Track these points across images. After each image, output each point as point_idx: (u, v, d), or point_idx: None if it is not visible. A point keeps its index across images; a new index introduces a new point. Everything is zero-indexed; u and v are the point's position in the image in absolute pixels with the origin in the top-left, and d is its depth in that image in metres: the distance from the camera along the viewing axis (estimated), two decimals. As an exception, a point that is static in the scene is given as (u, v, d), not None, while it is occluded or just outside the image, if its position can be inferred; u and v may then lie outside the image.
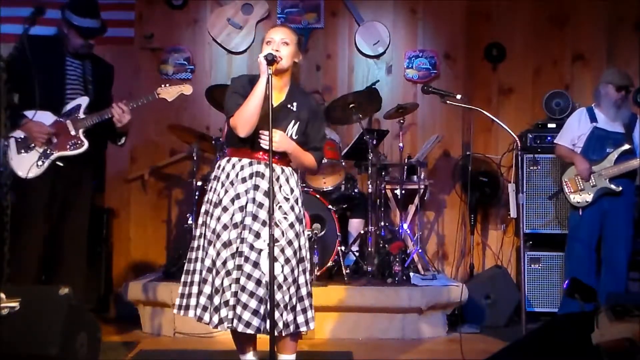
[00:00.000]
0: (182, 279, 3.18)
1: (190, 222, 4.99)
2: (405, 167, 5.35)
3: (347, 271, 4.67)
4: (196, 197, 5.02)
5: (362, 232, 5.08)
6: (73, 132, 3.84)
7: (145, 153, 5.83)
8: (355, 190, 5.19)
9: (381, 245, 4.93)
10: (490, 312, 5.00)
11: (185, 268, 3.19)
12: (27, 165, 3.76)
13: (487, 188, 5.65)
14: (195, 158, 5.12)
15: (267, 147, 2.93)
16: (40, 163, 3.78)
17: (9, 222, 2.94)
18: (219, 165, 3.17)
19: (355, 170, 5.45)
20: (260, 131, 3.06)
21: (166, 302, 4.47)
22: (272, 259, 2.84)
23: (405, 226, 5.24)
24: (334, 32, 5.93)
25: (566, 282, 3.46)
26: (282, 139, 3.06)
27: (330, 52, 5.93)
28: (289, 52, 3.11)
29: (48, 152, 3.80)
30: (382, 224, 5.07)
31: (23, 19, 3.55)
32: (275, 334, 2.89)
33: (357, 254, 4.98)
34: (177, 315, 4.44)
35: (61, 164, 3.82)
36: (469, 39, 5.90)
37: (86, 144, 3.86)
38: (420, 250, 5.21)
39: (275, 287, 2.92)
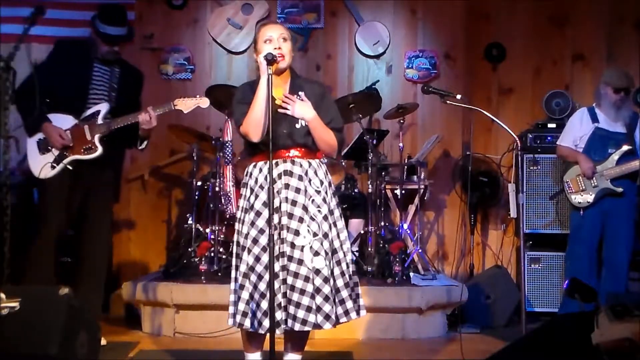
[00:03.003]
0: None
1: (190, 222, 4.99)
2: (405, 167, 5.35)
3: (347, 271, 4.66)
4: (196, 197, 5.03)
5: (362, 232, 5.08)
6: (89, 137, 3.94)
7: (145, 153, 5.79)
8: (355, 190, 5.19)
9: (381, 245, 4.93)
10: (490, 312, 4.99)
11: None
12: (42, 165, 3.90)
13: (487, 188, 5.65)
14: (195, 158, 5.13)
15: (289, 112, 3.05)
16: (54, 165, 3.90)
17: (9, 222, 2.95)
18: (247, 172, 3.17)
19: (355, 170, 5.45)
20: (285, 94, 3.09)
21: (166, 302, 4.47)
22: (272, 259, 2.83)
23: (405, 226, 5.24)
24: (334, 32, 5.93)
25: (566, 282, 3.46)
26: (301, 105, 3.07)
27: (330, 52, 5.93)
28: (290, 48, 3.11)
29: (64, 154, 3.91)
30: (382, 224, 5.07)
31: (23, 19, 3.56)
32: (330, 327, 2.99)
33: (357, 254, 4.98)
34: (177, 315, 4.48)
35: (70, 167, 3.92)
36: (469, 39, 5.90)
37: (99, 150, 3.94)
38: (420, 250, 5.21)
39: (321, 280, 2.96)
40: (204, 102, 4.03)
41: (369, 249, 4.92)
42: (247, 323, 3.00)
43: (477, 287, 5.00)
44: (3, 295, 2.91)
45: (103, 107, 3.99)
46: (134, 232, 5.82)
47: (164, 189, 5.87)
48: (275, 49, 3.04)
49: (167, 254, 5.71)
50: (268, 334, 2.95)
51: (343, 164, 5.03)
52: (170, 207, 5.85)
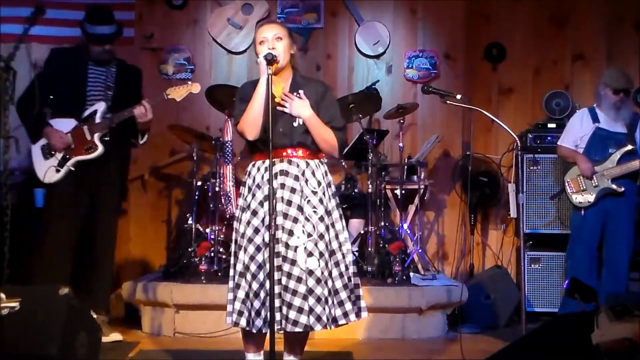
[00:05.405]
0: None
1: (190, 222, 4.99)
2: (405, 167, 5.35)
3: (347, 271, 4.66)
4: (196, 197, 5.03)
5: (362, 232, 5.07)
6: (89, 137, 4.03)
7: (145, 153, 5.81)
8: (355, 190, 5.18)
9: (381, 245, 4.92)
10: (490, 312, 4.99)
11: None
12: (46, 169, 4.00)
13: (487, 188, 5.65)
14: (195, 158, 5.12)
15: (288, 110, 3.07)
16: (58, 168, 3.99)
17: (9, 222, 2.95)
18: (247, 172, 3.17)
19: (355, 170, 5.44)
20: (284, 92, 3.09)
21: (166, 302, 4.47)
22: (273, 258, 2.84)
23: (405, 226, 5.24)
24: (334, 32, 5.93)
25: (566, 282, 3.46)
26: (299, 103, 3.08)
27: (330, 52, 5.92)
28: (285, 47, 3.10)
29: (67, 157, 4.01)
30: (382, 224, 5.07)
31: (23, 19, 3.56)
32: (321, 328, 2.97)
33: (357, 254, 4.97)
34: (177, 315, 4.48)
35: (74, 169, 4.01)
36: (469, 39, 5.90)
37: (100, 148, 4.04)
38: (420, 250, 5.21)
39: (314, 281, 2.95)
40: (195, 88, 4.08)
41: (369, 249, 4.91)
42: (243, 322, 3.01)
43: (477, 287, 5.00)
44: (3, 295, 2.91)
45: (100, 106, 4.08)
46: (134, 232, 5.81)
47: (164, 189, 5.86)
48: (269, 49, 3.04)
49: (167, 254, 5.71)
50: (267, 335, 2.97)
51: (343, 164, 5.03)
52: (170, 207, 5.85)
